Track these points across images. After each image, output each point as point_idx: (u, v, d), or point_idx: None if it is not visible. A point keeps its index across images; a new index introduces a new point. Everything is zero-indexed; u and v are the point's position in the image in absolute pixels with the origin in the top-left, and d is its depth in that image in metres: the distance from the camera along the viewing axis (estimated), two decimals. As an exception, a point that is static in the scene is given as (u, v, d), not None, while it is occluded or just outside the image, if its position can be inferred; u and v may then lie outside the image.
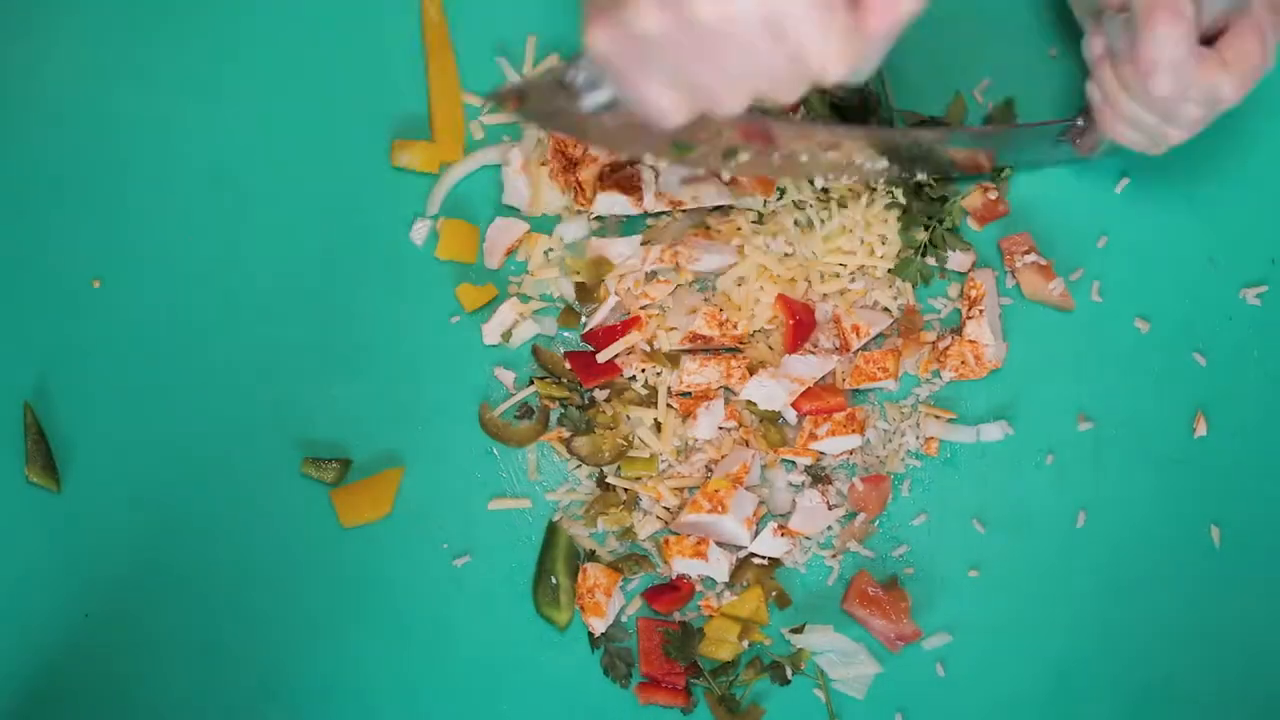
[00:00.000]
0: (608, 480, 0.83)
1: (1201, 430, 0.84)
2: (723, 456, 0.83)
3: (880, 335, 0.83)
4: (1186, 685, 0.83)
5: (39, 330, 0.85)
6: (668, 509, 0.83)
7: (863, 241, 0.83)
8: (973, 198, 0.84)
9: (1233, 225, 0.85)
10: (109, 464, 0.84)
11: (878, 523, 0.84)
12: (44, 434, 0.84)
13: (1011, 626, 0.83)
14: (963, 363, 0.83)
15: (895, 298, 0.84)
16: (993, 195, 0.84)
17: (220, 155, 0.87)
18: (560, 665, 0.83)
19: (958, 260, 0.84)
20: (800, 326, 0.82)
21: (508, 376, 0.84)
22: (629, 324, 0.82)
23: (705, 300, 0.83)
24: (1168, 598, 0.83)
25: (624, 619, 0.83)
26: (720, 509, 0.79)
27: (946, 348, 0.83)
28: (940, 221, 0.83)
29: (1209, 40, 0.67)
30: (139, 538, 0.84)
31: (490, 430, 0.84)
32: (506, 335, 0.85)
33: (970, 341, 0.82)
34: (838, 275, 0.83)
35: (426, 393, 0.85)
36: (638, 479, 0.82)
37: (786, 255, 0.82)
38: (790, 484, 0.83)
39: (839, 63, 0.51)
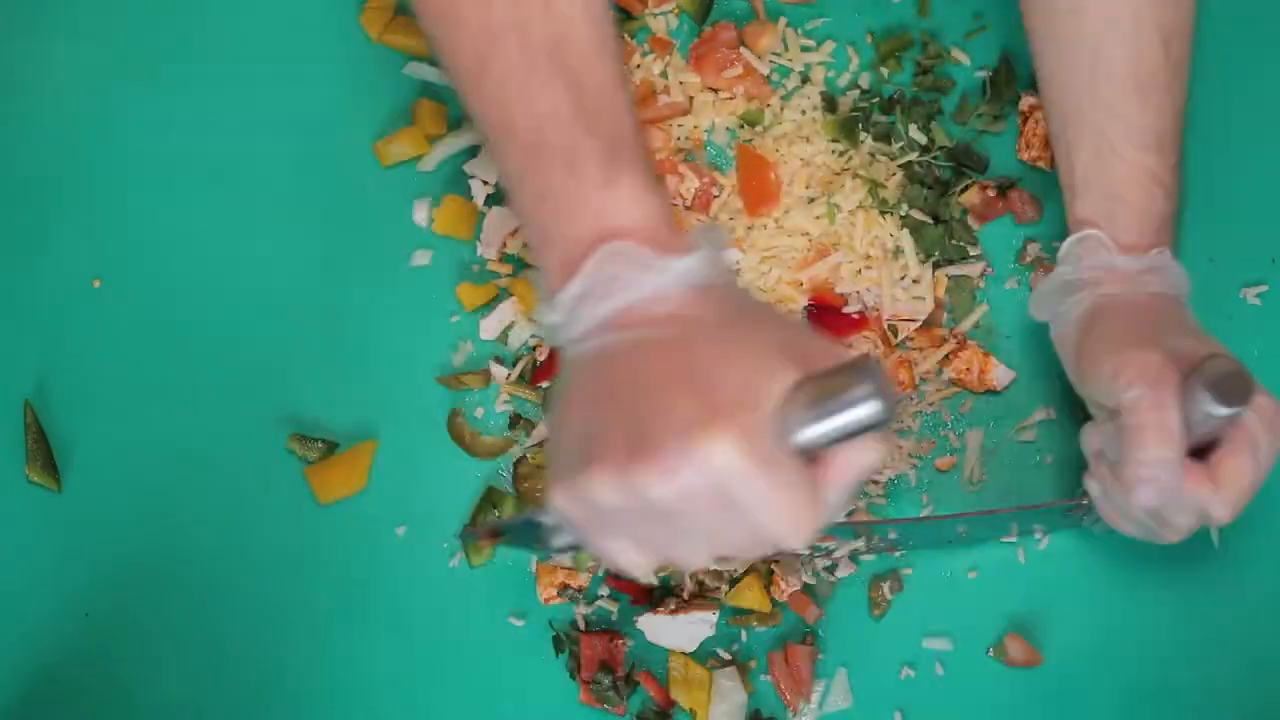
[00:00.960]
0: None
1: (1201, 430, 0.84)
2: None
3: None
4: (1185, 685, 0.82)
5: (39, 330, 0.85)
6: None
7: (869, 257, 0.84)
8: (971, 195, 0.84)
9: (1233, 225, 0.85)
10: (109, 463, 0.84)
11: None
12: (44, 433, 0.84)
13: (1011, 627, 0.83)
14: (966, 370, 0.82)
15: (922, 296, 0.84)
16: (992, 193, 0.84)
17: (220, 155, 0.87)
18: (560, 665, 0.83)
19: (971, 270, 0.84)
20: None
21: (500, 372, 0.84)
22: None
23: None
24: (1167, 597, 0.83)
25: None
26: None
27: (955, 351, 0.83)
28: (949, 221, 0.83)
29: (1203, 449, 0.64)
30: (140, 537, 0.84)
31: (457, 439, 0.83)
32: (504, 337, 0.85)
33: (984, 354, 0.82)
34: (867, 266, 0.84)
35: (427, 392, 0.85)
36: None
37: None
38: None
39: (795, 534, 0.49)
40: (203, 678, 0.83)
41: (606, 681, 0.80)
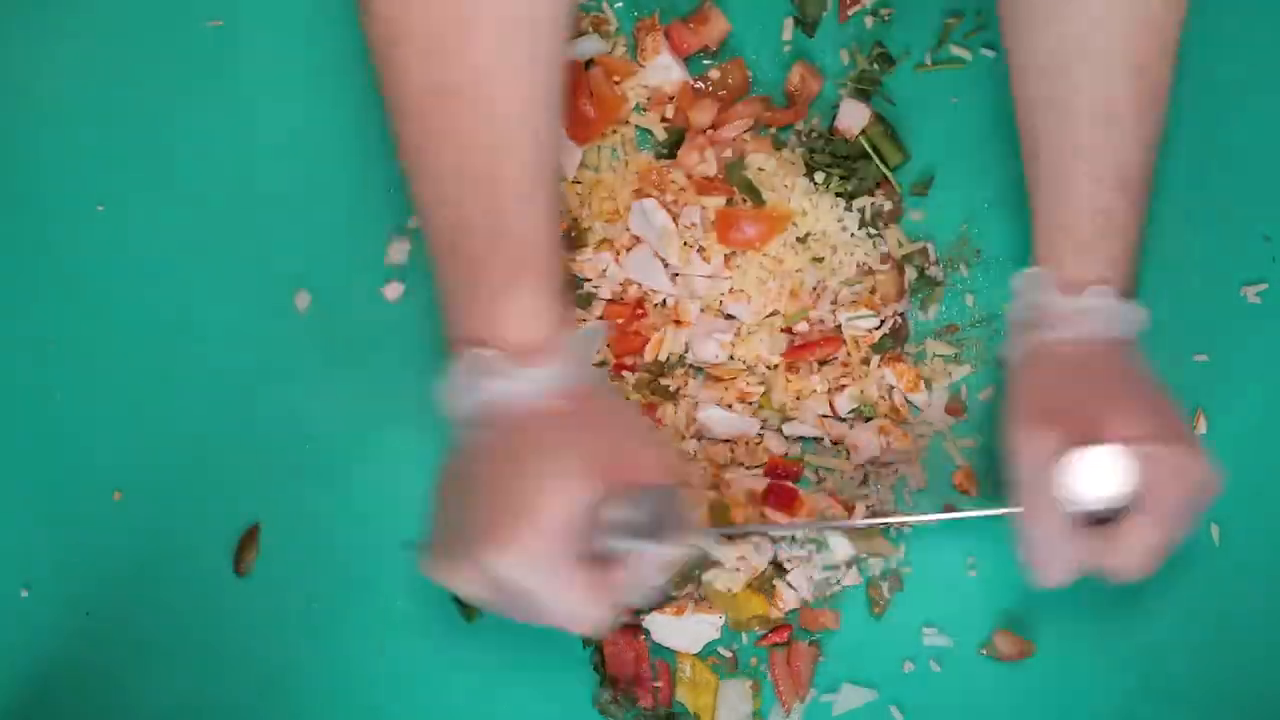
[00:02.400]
0: None
1: (1201, 429, 0.84)
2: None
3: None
4: (1186, 685, 0.83)
5: (39, 329, 0.85)
6: None
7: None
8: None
9: (1233, 225, 0.85)
10: (109, 463, 0.84)
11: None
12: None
13: (1011, 626, 0.83)
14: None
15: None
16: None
17: (219, 156, 0.87)
18: (560, 665, 0.83)
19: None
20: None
21: None
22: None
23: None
24: (1165, 595, 0.83)
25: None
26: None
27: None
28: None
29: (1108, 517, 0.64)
30: (139, 536, 0.84)
31: None
32: None
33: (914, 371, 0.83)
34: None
35: (427, 391, 0.85)
36: None
37: None
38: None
39: (582, 627, 0.58)
40: (203, 678, 0.83)
41: (633, 693, 0.80)
